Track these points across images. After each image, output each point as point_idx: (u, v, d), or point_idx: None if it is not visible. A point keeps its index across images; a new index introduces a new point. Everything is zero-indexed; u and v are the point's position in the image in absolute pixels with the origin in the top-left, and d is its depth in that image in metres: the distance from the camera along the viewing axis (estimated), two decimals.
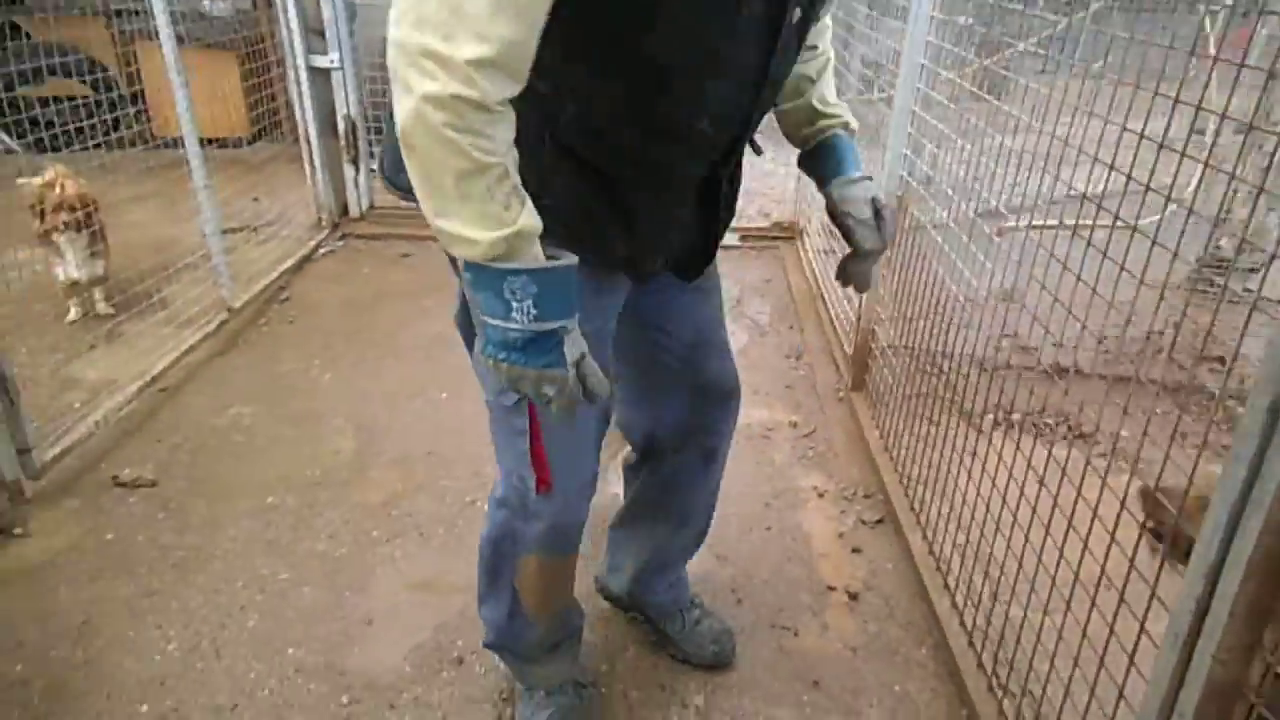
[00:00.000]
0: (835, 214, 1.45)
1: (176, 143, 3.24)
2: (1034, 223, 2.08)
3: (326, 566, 2.20)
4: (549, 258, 1.06)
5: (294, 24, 4.02)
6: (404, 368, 3.18)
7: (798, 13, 1.15)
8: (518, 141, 1.03)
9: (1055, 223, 2.24)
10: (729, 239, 3.72)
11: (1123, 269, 1.38)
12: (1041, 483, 1.65)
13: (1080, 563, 1.48)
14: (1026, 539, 1.68)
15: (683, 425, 1.66)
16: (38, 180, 3.24)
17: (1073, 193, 1.62)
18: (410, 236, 4.30)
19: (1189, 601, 1.03)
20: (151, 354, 3.07)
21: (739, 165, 1.37)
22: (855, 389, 2.98)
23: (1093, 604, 1.42)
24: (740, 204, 1.47)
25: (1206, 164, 1.28)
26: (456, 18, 0.91)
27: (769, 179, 4.79)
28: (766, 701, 1.84)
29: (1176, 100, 1.27)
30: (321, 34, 4.12)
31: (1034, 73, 1.94)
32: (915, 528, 2.28)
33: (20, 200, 3.26)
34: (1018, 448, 1.76)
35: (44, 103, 3.48)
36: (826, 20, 1.46)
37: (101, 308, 3.46)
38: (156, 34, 3.03)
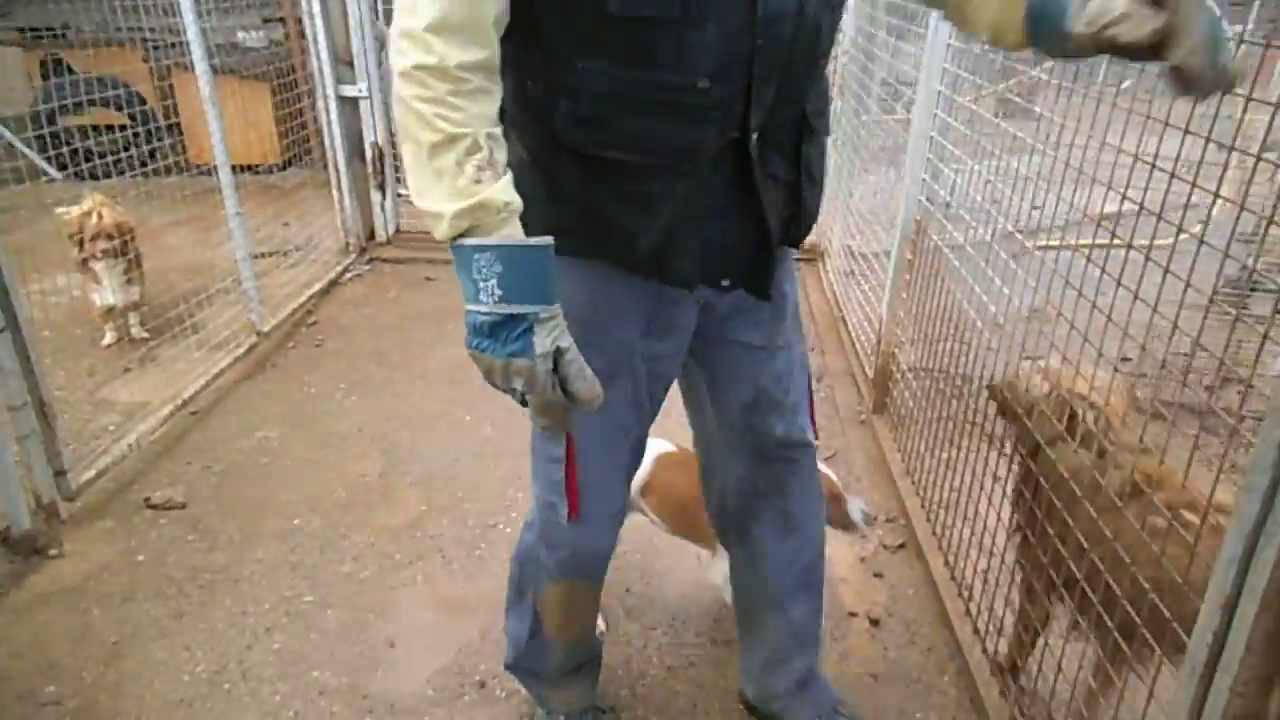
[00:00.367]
0: (1100, 39, 0.97)
1: (211, 170, 3.33)
2: (1065, 242, 2.08)
3: (350, 589, 2.23)
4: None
5: (324, 55, 4.12)
6: (428, 390, 3.22)
7: None
8: (528, 154, 1.07)
9: (1087, 242, 2.23)
10: None
11: (1137, 296, 1.38)
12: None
13: (1102, 589, 1.47)
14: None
15: (748, 487, 1.58)
16: (76, 210, 3.34)
17: (1088, 214, 1.61)
18: (435, 260, 4.36)
19: (1205, 634, 1.02)
20: (183, 377, 3.14)
21: (801, 145, 1.24)
22: (876, 411, 2.97)
23: (1113, 631, 1.40)
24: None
25: (1226, 196, 1.27)
26: None
27: None
28: None
29: (1209, 133, 1.26)
30: (350, 64, 4.21)
31: (1063, 94, 1.92)
32: (937, 552, 2.26)
33: (61, 228, 3.36)
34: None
35: (85, 133, 3.59)
36: None
37: (136, 332, 3.55)
38: (193, 65, 3.13)
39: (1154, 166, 1.34)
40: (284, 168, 5.52)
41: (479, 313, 1.03)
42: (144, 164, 3.45)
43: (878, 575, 2.28)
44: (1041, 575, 1.64)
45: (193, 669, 1.98)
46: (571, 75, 1.08)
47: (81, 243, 3.30)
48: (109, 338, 3.51)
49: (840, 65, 3.94)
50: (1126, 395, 1.70)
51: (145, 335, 3.52)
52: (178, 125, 4.25)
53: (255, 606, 2.16)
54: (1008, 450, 1.87)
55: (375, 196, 4.53)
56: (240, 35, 5.89)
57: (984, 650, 1.93)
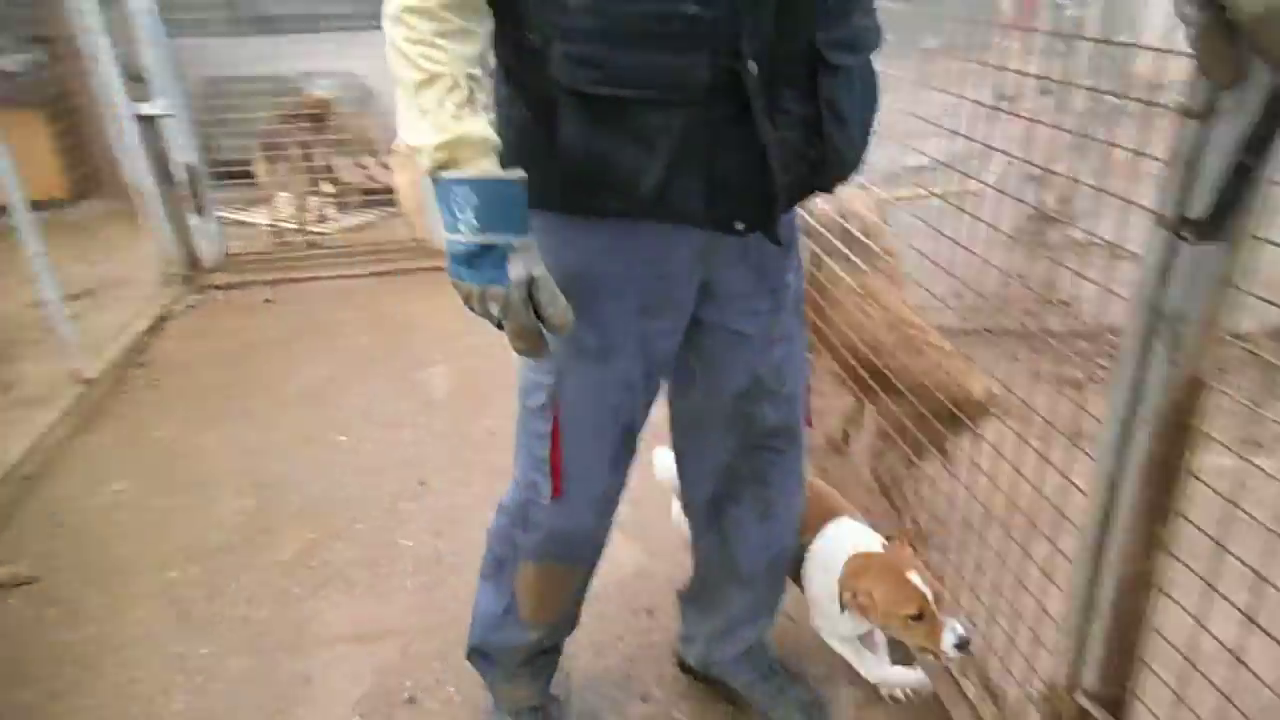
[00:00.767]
0: None
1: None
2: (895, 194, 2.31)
3: (249, 632, 2.10)
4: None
5: (110, 72, 3.77)
6: (292, 416, 3.06)
7: None
8: (530, 110, 1.11)
9: (907, 193, 2.48)
10: None
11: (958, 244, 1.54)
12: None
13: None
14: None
15: (730, 472, 1.57)
16: None
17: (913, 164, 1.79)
18: (273, 281, 4.13)
19: (1097, 510, 1.17)
20: (3, 441, 2.81)
21: (818, 78, 1.14)
22: None
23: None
24: None
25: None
26: None
27: None
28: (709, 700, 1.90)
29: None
30: (141, 79, 3.88)
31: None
32: None
33: None
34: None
35: None
36: None
37: None
38: None
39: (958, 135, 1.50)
40: (74, 201, 5.01)
41: (458, 242, 1.09)
42: None
43: None
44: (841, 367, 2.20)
45: None
46: (564, 16, 1.07)
47: None
48: None
49: None
50: (877, 208, 2.28)
51: None
52: None
53: (144, 671, 1.99)
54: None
55: (193, 220, 4.20)
56: None
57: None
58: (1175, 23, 0.88)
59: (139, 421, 3.07)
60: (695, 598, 1.83)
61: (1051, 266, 3.35)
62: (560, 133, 1.13)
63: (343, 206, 5.00)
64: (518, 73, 1.18)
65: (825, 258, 2.26)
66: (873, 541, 1.67)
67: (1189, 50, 0.89)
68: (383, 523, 2.46)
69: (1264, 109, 0.86)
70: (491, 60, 1.19)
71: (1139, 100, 1.24)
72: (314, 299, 4.08)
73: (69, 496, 2.65)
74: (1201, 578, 1.10)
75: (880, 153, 1.78)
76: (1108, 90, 1.77)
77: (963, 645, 1.49)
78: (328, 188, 4.96)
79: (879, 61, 1.27)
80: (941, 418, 1.89)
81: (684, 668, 1.91)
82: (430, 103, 1.05)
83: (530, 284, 1.10)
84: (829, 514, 1.75)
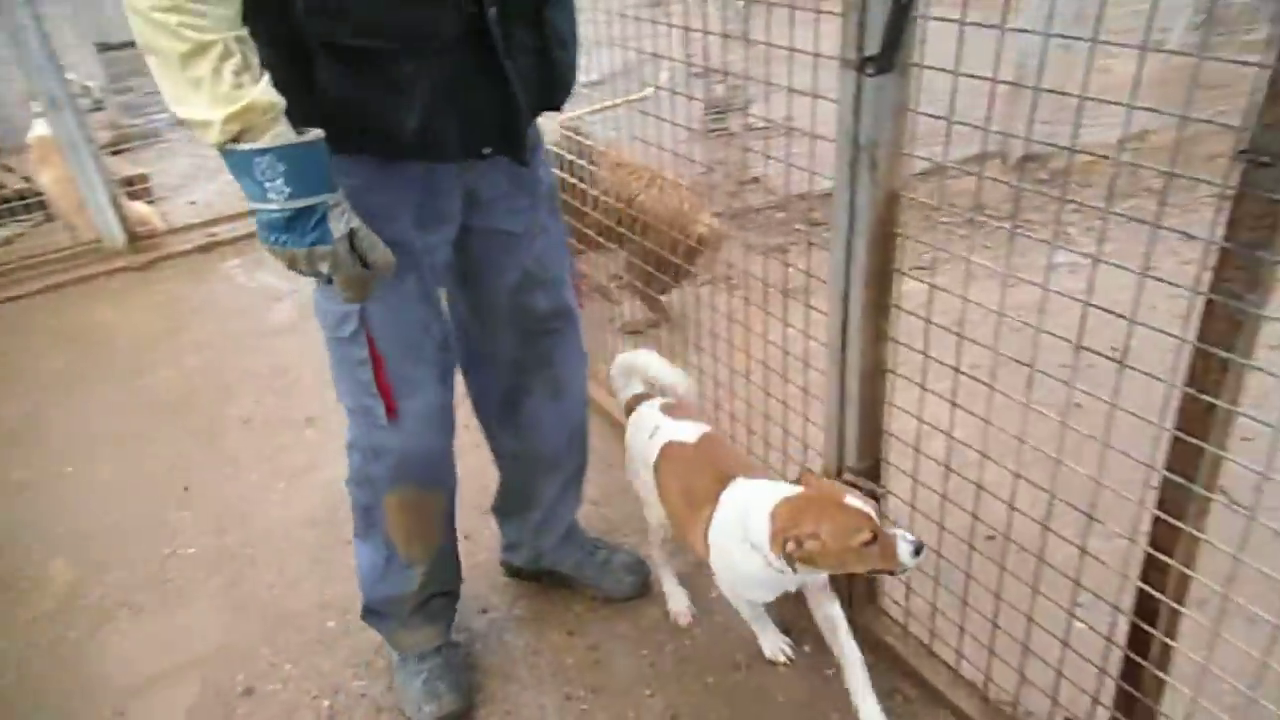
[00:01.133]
0: None
1: None
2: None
3: (30, 689, 1.87)
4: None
5: None
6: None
7: None
8: (278, 58, 1.07)
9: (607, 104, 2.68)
10: None
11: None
12: None
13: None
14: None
15: (518, 365, 1.66)
16: None
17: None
18: None
19: (836, 317, 1.43)
20: None
21: (543, 10, 1.28)
22: None
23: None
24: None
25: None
26: None
27: None
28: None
29: None
30: None
31: None
32: None
33: None
34: None
35: None
36: None
37: None
38: None
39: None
40: None
41: (271, 210, 1.08)
42: None
43: None
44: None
45: None
46: None
47: None
48: None
49: None
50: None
51: None
52: None
53: None
54: None
55: None
56: None
57: None
58: None
59: None
60: (508, 504, 1.92)
61: (739, 150, 3.78)
62: (317, 83, 1.15)
63: None
64: (261, 23, 1.14)
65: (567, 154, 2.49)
66: (778, 489, 1.47)
67: None
68: (154, 539, 2.27)
69: None
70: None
71: None
72: None
73: None
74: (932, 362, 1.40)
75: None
76: None
77: (919, 550, 1.36)
78: None
79: None
80: (675, 251, 2.32)
81: (513, 573, 2.02)
82: (204, 73, 1.01)
83: (351, 235, 1.14)
84: (723, 480, 1.56)
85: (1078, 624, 1.32)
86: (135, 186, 4.31)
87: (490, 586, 2.01)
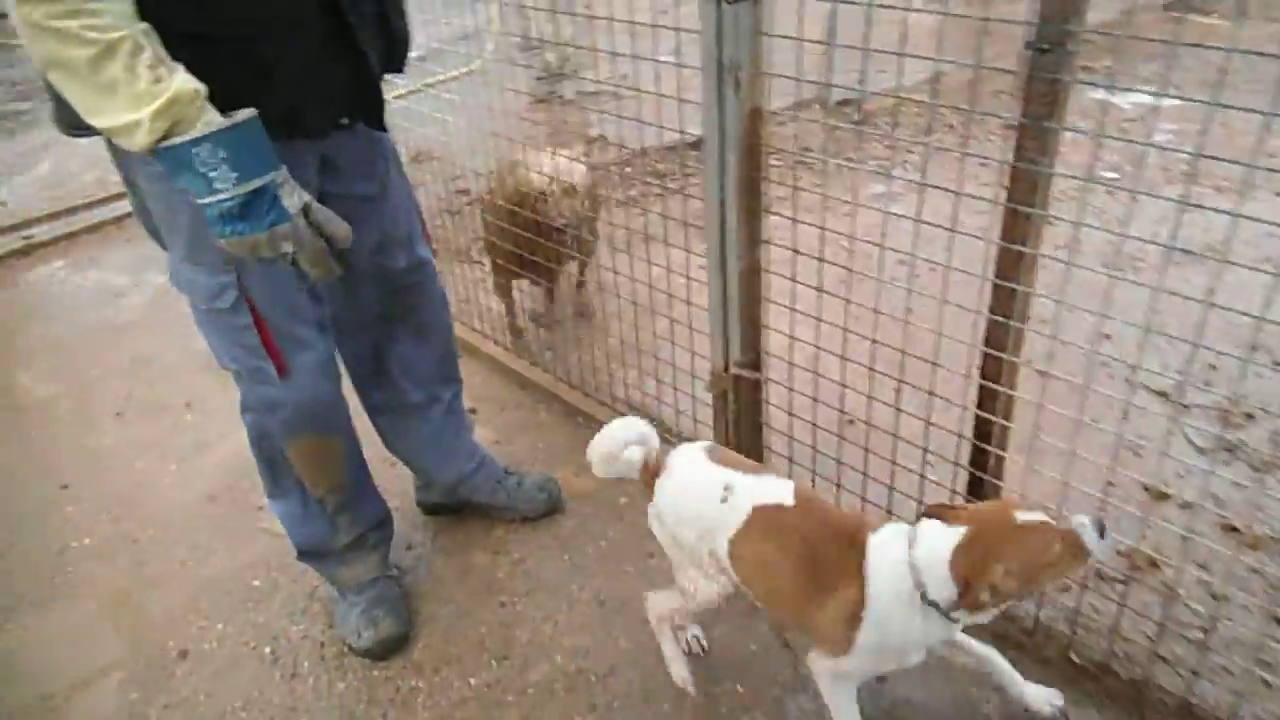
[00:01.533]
0: None
1: None
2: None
3: None
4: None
5: None
6: None
7: None
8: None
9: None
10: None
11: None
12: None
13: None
14: None
15: (385, 321, 1.72)
16: None
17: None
18: None
19: (714, 226, 1.64)
20: None
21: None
22: None
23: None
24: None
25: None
26: None
27: None
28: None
29: None
30: None
31: None
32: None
33: None
34: None
35: None
36: None
37: None
38: None
39: None
40: None
41: (222, 200, 1.06)
42: None
43: None
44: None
45: None
46: None
47: None
48: None
49: None
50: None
51: None
52: None
53: None
54: None
55: None
56: None
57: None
58: None
59: None
60: (397, 444, 1.97)
61: (581, 112, 3.96)
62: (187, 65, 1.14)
63: None
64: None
65: None
66: (934, 535, 1.23)
67: None
68: (43, 538, 2.19)
69: None
70: None
71: None
72: None
73: None
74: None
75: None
76: None
77: (1102, 530, 1.20)
78: None
79: None
80: (524, 225, 2.34)
81: (431, 510, 2.12)
82: (117, 73, 0.97)
83: (306, 210, 1.14)
84: (855, 546, 1.30)
85: (929, 482, 1.63)
86: None
87: (411, 526, 2.11)
